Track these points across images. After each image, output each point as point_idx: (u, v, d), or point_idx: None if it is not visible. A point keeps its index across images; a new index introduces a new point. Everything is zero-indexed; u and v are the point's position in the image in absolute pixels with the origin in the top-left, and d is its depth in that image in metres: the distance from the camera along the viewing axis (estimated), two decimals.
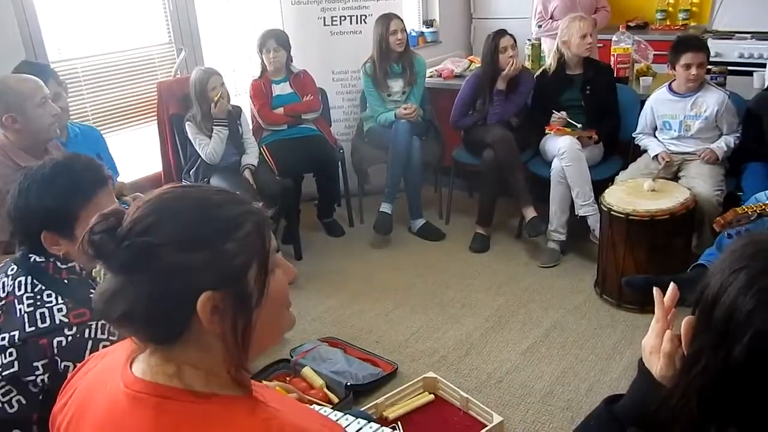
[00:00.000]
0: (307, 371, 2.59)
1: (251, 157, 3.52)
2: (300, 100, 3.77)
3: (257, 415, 0.82)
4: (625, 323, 2.84)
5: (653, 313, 3.04)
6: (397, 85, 3.89)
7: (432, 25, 5.00)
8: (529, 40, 4.11)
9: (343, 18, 4.17)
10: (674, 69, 3.09)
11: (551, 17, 4.16)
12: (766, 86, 3.16)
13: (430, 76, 4.33)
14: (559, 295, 3.11)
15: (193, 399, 0.81)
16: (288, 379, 2.59)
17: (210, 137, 3.37)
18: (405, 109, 3.75)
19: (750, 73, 3.55)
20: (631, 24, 4.91)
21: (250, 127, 3.71)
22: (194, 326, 0.80)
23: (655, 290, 1.02)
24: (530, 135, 3.62)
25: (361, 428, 1.44)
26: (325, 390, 2.50)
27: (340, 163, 3.90)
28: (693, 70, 3.01)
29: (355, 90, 4.22)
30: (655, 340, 0.99)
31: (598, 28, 3.55)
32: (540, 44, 4.05)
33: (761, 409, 0.72)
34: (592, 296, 3.09)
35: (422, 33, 4.93)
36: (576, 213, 3.32)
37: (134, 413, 0.81)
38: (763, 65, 3.49)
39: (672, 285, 1.01)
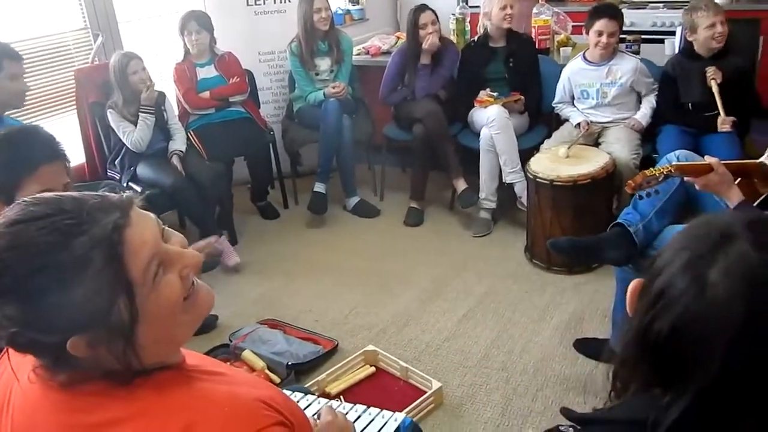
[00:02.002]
0: (247, 354, 2.59)
1: (179, 143, 3.44)
2: (226, 83, 3.70)
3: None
4: (554, 285, 2.96)
5: (581, 274, 3.19)
6: (324, 64, 3.87)
7: (358, 3, 4.96)
8: (453, 14, 4.15)
9: None
10: (588, 34, 3.19)
11: None
12: (677, 51, 3.30)
13: (358, 54, 4.32)
14: (492, 263, 3.21)
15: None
16: (228, 363, 2.59)
17: (134, 124, 3.27)
18: (333, 87, 3.74)
19: (662, 41, 3.71)
20: None
21: (176, 112, 3.62)
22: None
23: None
24: (458, 107, 3.68)
25: (298, 400, 1.46)
26: (267, 371, 2.52)
27: (271, 145, 3.87)
28: (604, 38, 3.11)
29: (283, 70, 4.17)
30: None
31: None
32: (464, 19, 4.10)
33: (672, 382, 0.73)
34: (522, 261, 3.20)
35: (348, 11, 4.89)
36: (503, 180, 3.41)
37: (47, 395, 0.81)
38: (674, 33, 3.65)
39: None
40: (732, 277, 0.69)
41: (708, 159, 1.88)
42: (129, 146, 3.28)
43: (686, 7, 3.01)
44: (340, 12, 4.68)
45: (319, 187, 3.73)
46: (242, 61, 3.83)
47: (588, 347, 2.43)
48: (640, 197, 2.00)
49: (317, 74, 3.88)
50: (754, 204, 1.86)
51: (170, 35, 3.75)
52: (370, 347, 2.56)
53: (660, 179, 1.87)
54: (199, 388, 0.86)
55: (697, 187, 1.90)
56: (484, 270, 3.15)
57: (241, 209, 3.88)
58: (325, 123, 3.67)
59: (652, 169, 1.90)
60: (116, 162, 3.36)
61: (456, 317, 2.82)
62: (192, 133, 3.60)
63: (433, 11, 3.57)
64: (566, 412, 0.85)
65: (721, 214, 0.82)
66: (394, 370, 2.48)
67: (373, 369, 2.52)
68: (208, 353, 2.62)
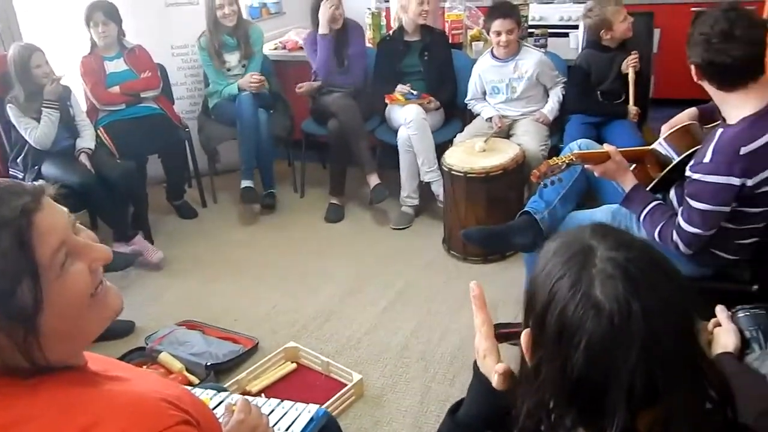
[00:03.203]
0: (164, 357, 2.53)
1: (86, 141, 3.30)
2: (137, 78, 3.58)
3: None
4: (470, 274, 3.03)
5: (495, 262, 3.27)
6: (233, 59, 3.81)
7: None
8: (368, 9, 4.17)
9: None
10: (489, 34, 3.29)
11: None
12: (584, 45, 3.44)
13: (275, 49, 4.28)
14: (412, 256, 3.26)
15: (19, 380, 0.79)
16: (145, 367, 2.52)
17: (37, 120, 3.11)
18: (252, 76, 3.68)
19: (568, 35, 3.86)
20: None
21: (84, 108, 3.47)
22: None
23: (473, 296, 1.04)
24: (376, 102, 3.70)
25: (210, 398, 1.44)
26: (185, 373, 2.47)
27: (186, 142, 3.77)
28: (503, 37, 3.19)
29: (198, 65, 4.06)
30: (486, 343, 1.01)
31: None
32: (380, 13, 4.13)
33: (604, 408, 0.72)
34: (441, 253, 3.27)
35: (265, 4, 4.80)
36: (421, 179, 3.47)
37: None
38: (578, 27, 3.80)
39: (474, 284, 1.05)
40: (614, 282, 0.72)
41: (606, 147, 1.99)
42: (32, 143, 3.12)
43: (590, 8, 3.13)
44: (256, 5, 4.60)
45: (246, 183, 3.68)
46: (154, 54, 3.72)
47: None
48: (545, 185, 2.08)
49: (228, 69, 3.82)
50: (648, 188, 1.97)
51: (75, 26, 3.57)
52: (291, 344, 2.56)
53: (563, 168, 1.96)
54: (104, 389, 0.85)
55: (596, 174, 2.00)
56: (403, 263, 3.20)
57: (157, 209, 3.77)
58: (241, 117, 3.61)
59: (555, 158, 1.99)
60: (18, 160, 3.19)
61: (376, 310, 2.85)
62: (101, 129, 3.47)
63: None
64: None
65: (566, 236, 0.83)
66: (316, 365, 2.49)
67: (294, 365, 2.52)
68: (123, 357, 2.56)
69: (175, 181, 3.79)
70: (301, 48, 4.10)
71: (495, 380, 0.96)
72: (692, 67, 1.77)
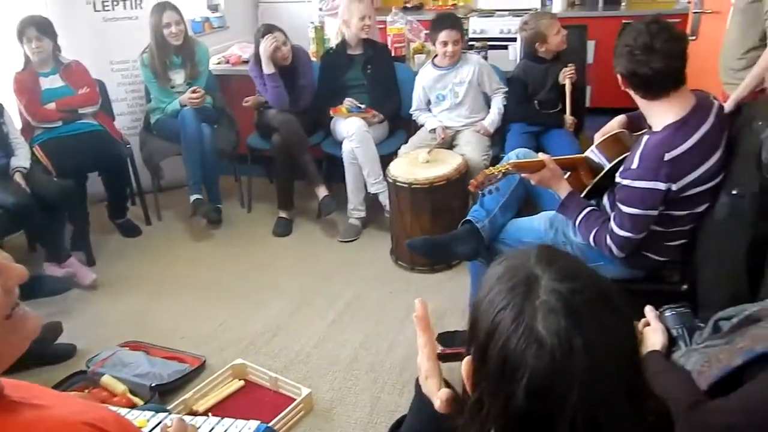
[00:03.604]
0: (106, 379, 2.46)
1: (21, 159, 3.20)
2: (74, 94, 3.49)
3: None
4: (418, 284, 3.07)
5: (442, 272, 3.29)
6: (179, 78, 3.76)
7: (217, 10, 4.86)
8: (312, 23, 4.18)
9: (115, 3, 3.92)
10: (435, 45, 3.36)
11: None
12: (521, 56, 3.54)
13: (218, 63, 4.24)
14: (360, 267, 3.26)
15: None
16: (87, 391, 2.44)
17: None
18: (193, 92, 3.64)
19: (507, 47, 3.97)
20: (408, 5, 5.25)
21: (18, 126, 3.37)
22: None
23: (416, 317, 1.03)
24: (321, 116, 3.71)
25: (148, 419, 1.41)
26: (129, 395, 2.40)
27: (128, 158, 3.69)
28: (449, 47, 3.27)
29: (139, 80, 3.99)
30: (428, 364, 0.99)
31: (369, 3, 3.70)
32: (323, 27, 4.15)
33: None
34: (389, 264, 3.29)
35: (207, 18, 4.77)
36: (368, 191, 3.49)
37: None
38: (516, 39, 3.91)
39: (419, 302, 1.04)
40: (556, 316, 0.70)
41: (541, 156, 2.05)
42: None
43: (526, 22, 3.24)
44: (198, 20, 4.56)
45: (196, 196, 3.62)
46: (92, 70, 3.64)
47: (449, 340, 2.54)
48: (484, 194, 2.13)
49: (173, 87, 3.76)
50: (582, 194, 2.04)
51: (8, 42, 3.47)
52: (239, 361, 2.52)
53: (499, 177, 2.01)
54: (23, 416, 0.82)
55: (532, 183, 2.06)
56: (352, 275, 3.20)
57: (99, 227, 3.67)
58: (185, 132, 3.57)
59: (491, 168, 2.03)
60: None
61: (325, 323, 2.84)
62: (37, 147, 3.38)
63: (282, 31, 3.56)
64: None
65: (514, 256, 0.81)
66: (264, 381, 2.46)
67: (242, 382, 2.48)
68: (63, 382, 2.48)
69: (117, 198, 3.70)
70: (246, 62, 4.08)
71: (437, 404, 0.95)
72: (618, 76, 1.85)
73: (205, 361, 2.62)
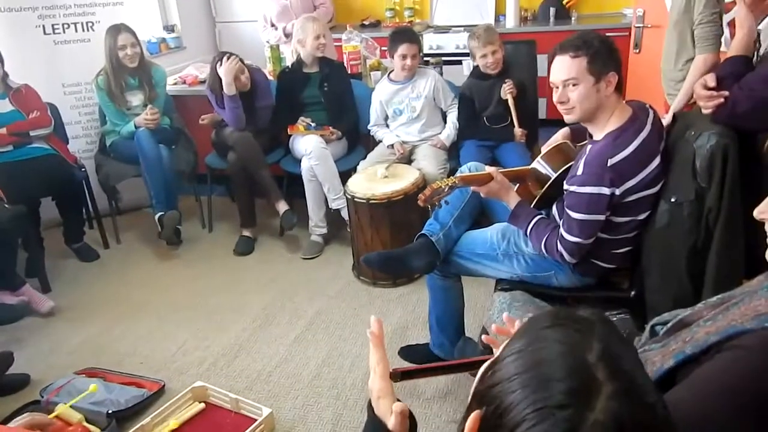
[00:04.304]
0: (61, 408, 2.39)
1: None
2: (25, 118, 3.44)
3: None
4: (380, 299, 3.08)
5: (404, 285, 3.29)
6: (136, 99, 3.73)
7: (174, 31, 4.85)
8: (267, 41, 4.20)
9: (66, 26, 3.88)
10: (393, 58, 3.40)
11: (272, 25, 4.26)
12: (471, 72, 3.60)
13: (175, 84, 4.22)
14: (322, 284, 3.26)
15: None
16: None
17: None
18: (147, 113, 3.61)
19: (462, 62, 4.04)
20: (366, 23, 5.30)
21: None
22: None
23: (370, 333, 1.01)
24: (279, 134, 3.71)
25: None
26: (85, 423, 2.35)
27: (84, 182, 3.64)
28: (408, 60, 3.33)
29: (93, 103, 3.96)
30: (381, 383, 0.96)
31: (324, 23, 3.74)
32: (278, 46, 4.16)
33: None
34: (351, 279, 3.29)
35: (164, 39, 4.75)
36: (330, 207, 3.50)
37: None
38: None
39: (374, 320, 1.02)
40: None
41: (488, 169, 2.09)
42: None
43: (469, 34, 3.31)
44: (154, 40, 4.54)
45: (161, 212, 3.57)
46: (44, 93, 3.59)
47: (411, 353, 2.55)
48: (434, 208, 2.16)
49: (129, 109, 3.73)
50: (531, 205, 2.08)
51: None
52: (199, 383, 2.49)
53: (446, 190, 2.03)
54: None
55: (482, 195, 2.09)
56: (314, 292, 3.20)
57: (55, 253, 3.61)
58: (143, 153, 3.54)
59: (438, 182, 2.06)
60: None
61: (287, 341, 2.83)
62: None
63: (237, 56, 3.56)
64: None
65: (564, 341, 0.68)
66: (225, 402, 2.44)
67: (202, 405, 2.45)
68: (16, 413, 2.41)
69: (73, 222, 3.64)
70: (202, 82, 4.07)
71: (391, 421, 0.92)
72: None
73: (164, 385, 2.58)
